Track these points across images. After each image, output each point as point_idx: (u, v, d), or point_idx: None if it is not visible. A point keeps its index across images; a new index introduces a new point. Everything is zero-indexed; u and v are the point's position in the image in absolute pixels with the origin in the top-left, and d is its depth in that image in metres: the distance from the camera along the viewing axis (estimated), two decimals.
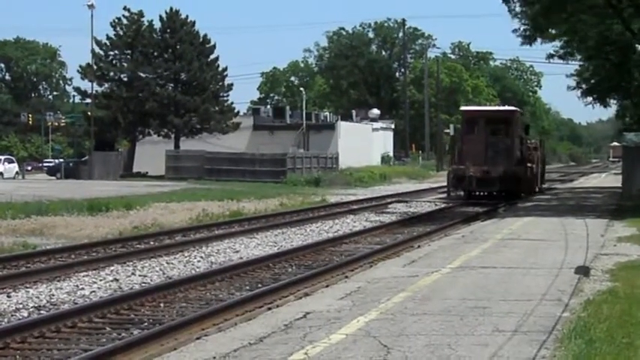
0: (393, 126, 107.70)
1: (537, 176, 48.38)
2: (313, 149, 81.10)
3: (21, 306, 15.50)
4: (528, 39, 43.83)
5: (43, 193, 41.49)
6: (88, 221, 30.67)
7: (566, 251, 20.31)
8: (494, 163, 41.85)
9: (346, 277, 17.64)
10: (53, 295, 16.50)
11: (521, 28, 43.23)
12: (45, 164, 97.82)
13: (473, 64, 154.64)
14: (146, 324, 13.87)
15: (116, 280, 18.45)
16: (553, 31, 45.15)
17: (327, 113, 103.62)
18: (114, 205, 35.48)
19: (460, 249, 21.09)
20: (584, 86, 57.80)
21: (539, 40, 44.94)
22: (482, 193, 43.15)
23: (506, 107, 52.53)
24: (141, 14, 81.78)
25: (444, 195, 46.12)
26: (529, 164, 44.88)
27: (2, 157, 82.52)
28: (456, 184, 42.77)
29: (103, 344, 12.27)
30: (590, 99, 57.72)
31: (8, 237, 25.85)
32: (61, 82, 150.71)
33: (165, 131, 79.94)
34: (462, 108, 52.39)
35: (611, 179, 70.89)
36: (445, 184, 46.36)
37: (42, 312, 14.94)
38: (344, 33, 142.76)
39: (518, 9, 41.98)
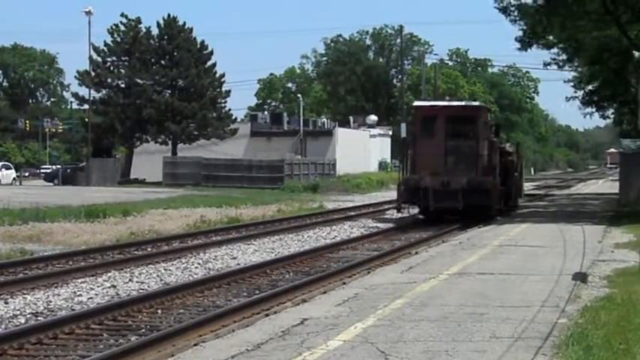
0: (390, 132, 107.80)
1: (512, 188, 39.62)
2: (311, 155, 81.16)
3: (18, 312, 15.48)
4: (525, 44, 43.89)
5: (41, 199, 41.45)
6: (86, 228, 30.64)
7: (564, 258, 20.33)
8: (455, 172, 33.75)
9: (344, 283, 17.63)
10: (50, 302, 16.48)
11: (519, 35, 43.32)
12: (42, 170, 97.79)
13: (471, 71, 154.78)
14: (143, 330, 13.86)
15: (113, 286, 18.43)
16: (551, 38, 45.22)
17: (325, 120, 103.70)
18: (111, 211, 35.46)
19: (458, 255, 21.10)
20: (582, 95, 57.96)
21: (535, 45, 44.99)
22: (442, 209, 34.20)
23: (471, 103, 43.01)
24: (138, 21, 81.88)
25: (394, 212, 38.34)
26: (501, 173, 36.88)
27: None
28: (409, 198, 34.33)
29: (100, 351, 12.26)
30: (589, 109, 57.93)
31: (5, 243, 25.82)
32: (58, 88, 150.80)
33: (163, 138, 79.97)
34: (416, 103, 40.11)
35: (608, 186, 70.93)
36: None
37: (39, 318, 14.92)
38: (341, 39, 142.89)
39: (515, 17, 42.03)
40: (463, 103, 41.01)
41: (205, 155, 75.80)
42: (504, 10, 41.40)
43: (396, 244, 26.52)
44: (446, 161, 34.18)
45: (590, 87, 57.71)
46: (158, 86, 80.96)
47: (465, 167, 34.05)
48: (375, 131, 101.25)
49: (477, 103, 40.63)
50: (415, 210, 36.27)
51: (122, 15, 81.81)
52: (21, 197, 43.67)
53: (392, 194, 61.36)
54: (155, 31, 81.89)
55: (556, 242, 24.04)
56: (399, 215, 36.93)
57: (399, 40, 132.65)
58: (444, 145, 34.17)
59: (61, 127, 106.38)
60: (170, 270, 21.04)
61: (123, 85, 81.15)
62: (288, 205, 45.84)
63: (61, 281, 18.80)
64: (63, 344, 12.94)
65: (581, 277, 16.94)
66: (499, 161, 36.56)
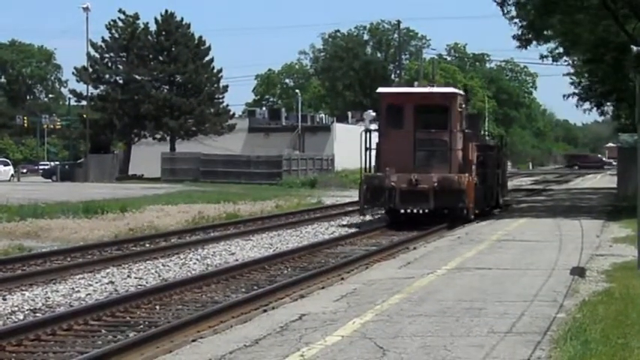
0: None
1: (494, 187, 35.72)
2: (309, 151, 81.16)
3: (17, 309, 15.48)
4: (524, 42, 43.86)
5: (39, 195, 41.46)
6: (84, 224, 30.64)
7: (562, 252, 20.35)
8: (425, 168, 30.17)
9: (342, 278, 17.64)
10: (49, 298, 16.48)
11: (518, 32, 43.29)
12: (40, 167, 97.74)
13: (469, 66, 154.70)
14: (142, 326, 13.86)
15: (112, 282, 18.43)
16: (549, 32, 45.19)
17: (323, 115, 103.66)
18: (109, 207, 35.45)
19: (456, 250, 21.11)
20: (580, 91, 57.95)
21: (534, 42, 44.97)
22: (410, 211, 30.87)
23: (444, 89, 36.16)
24: (136, 17, 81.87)
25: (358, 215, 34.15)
26: (480, 170, 32.91)
27: None
28: (373, 198, 30.47)
29: (98, 347, 12.26)
30: (587, 104, 57.94)
31: (4, 240, 25.81)
32: (56, 84, 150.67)
33: (161, 133, 79.96)
34: (380, 90, 33.72)
35: (606, 180, 70.96)
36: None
37: (38, 314, 14.92)
38: (339, 35, 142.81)
39: (513, 12, 42.01)
40: (435, 88, 34.07)
41: (203, 151, 75.79)
42: (502, 5, 41.35)
43: (394, 239, 26.51)
44: (415, 157, 30.39)
45: (587, 82, 57.71)
46: (156, 82, 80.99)
47: (437, 163, 30.42)
48: (374, 126, 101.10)
49: (450, 89, 34.74)
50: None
51: (120, 11, 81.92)
52: (19, 194, 43.68)
53: None
54: (153, 27, 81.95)
55: (554, 237, 24.06)
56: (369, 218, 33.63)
57: (396, 35, 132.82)
58: (412, 138, 30.34)
59: (59, 123, 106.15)
60: (168, 266, 21.04)
61: (121, 81, 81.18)
62: (286, 200, 45.85)
63: (60, 277, 18.80)
64: (61, 340, 12.94)
65: (579, 271, 16.95)
66: (478, 156, 32.75)
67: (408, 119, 30.66)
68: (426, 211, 30.14)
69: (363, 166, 31.12)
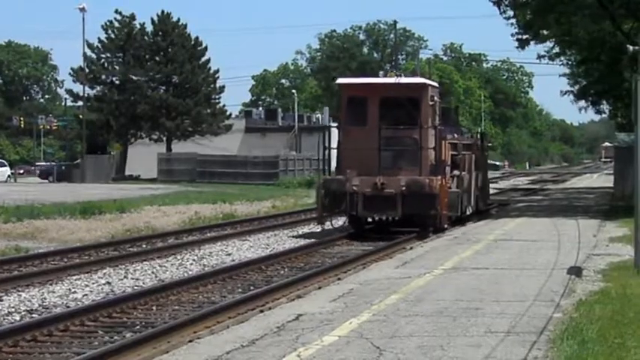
0: None
1: (471, 191, 31.53)
2: (305, 151, 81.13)
3: (13, 309, 15.46)
4: (523, 43, 43.92)
5: (35, 196, 41.44)
6: (81, 224, 30.63)
7: (559, 252, 20.36)
8: (393, 170, 26.52)
9: (339, 278, 17.64)
10: (45, 299, 16.47)
11: (515, 32, 43.36)
12: (37, 167, 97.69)
13: (465, 66, 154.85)
14: (138, 327, 13.85)
15: (108, 283, 18.42)
16: (545, 32, 45.24)
17: (320, 115, 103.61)
18: (106, 208, 35.45)
19: (452, 250, 21.12)
20: (576, 88, 57.99)
21: (532, 42, 45.03)
22: (376, 219, 27.91)
23: (414, 79, 32.17)
24: (132, 17, 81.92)
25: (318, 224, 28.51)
26: (456, 172, 29.10)
27: None
28: (332, 205, 26.78)
29: (95, 347, 12.25)
30: (583, 102, 57.94)
31: (0, 240, 25.81)
32: (52, 85, 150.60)
33: (158, 134, 79.97)
34: (340, 80, 30.11)
35: (603, 180, 71.03)
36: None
37: (34, 315, 14.91)
38: (335, 35, 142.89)
39: (509, 12, 42.06)
40: (403, 79, 29.10)
41: (200, 151, 75.79)
42: (498, 5, 41.37)
43: (391, 239, 26.44)
44: (380, 157, 26.50)
45: (584, 81, 57.75)
46: (152, 82, 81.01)
47: (406, 164, 26.86)
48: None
49: (420, 79, 30.55)
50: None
51: (116, 11, 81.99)
52: (15, 194, 43.65)
53: None
54: (149, 28, 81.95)
55: (551, 236, 24.07)
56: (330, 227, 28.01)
57: (393, 36, 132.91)
58: (377, 136, 26.46)
59: (55, 124, 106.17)
60: (165, 266, 21.04)
61: (117, 82, 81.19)
62: (283, 200, 45.84)
63: (56, 278, 18.79)
64: (58, 341, 12.93)
65: (575, 271, 16.96)
66: (453, 156, 29.13)
67: (373, 114, 27.08)
68: (396, 218, 26.85)
69: (322, 168, 28.47)
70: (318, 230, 30.47)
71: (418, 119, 26.80)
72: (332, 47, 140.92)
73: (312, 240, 26.71)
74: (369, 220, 28.18)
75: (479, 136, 36.62)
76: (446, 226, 27.21)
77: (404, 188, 25.89)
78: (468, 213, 30.55)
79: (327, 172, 28.16)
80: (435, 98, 27.72)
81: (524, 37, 43.58)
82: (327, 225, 27.64)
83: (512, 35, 43.29)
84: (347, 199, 26.18)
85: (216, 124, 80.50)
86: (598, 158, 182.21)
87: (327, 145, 28.36)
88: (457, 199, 28.21)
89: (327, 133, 28.93)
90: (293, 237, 28.30)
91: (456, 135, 30.63)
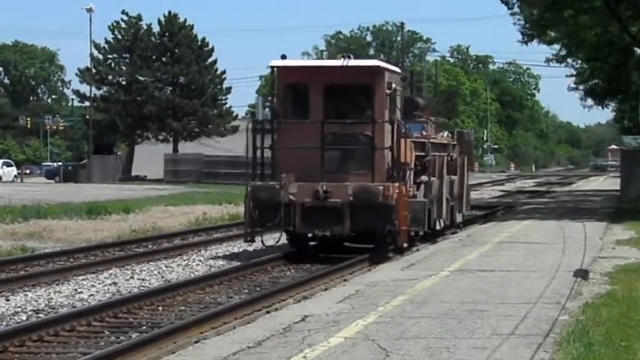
0: None
1: (444, 201, 26.14)
2: None
3: (20, 309, 15.48)
4: (527, 38, 43.93)
5: (42, 196, 41.44)
6: (87, 225, 30.63)
7: (565, 254, 20.33)
8: (339, 175, 21.35)
9: (345, 280, 17.65)
10: (52, 299, 16.48)
11: (521, 27, 43.42)
12: (43, 168, 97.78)
13: (472, 68, 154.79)
14: (145, 327, 13.86)
15: (115, 283, 18.43)
16: (552, 33, 45.25)
17: None
18: (112, 208, 35.44)
19: (458, 252, 21.10)
20: (583, 88, 58.10)
21: (537, 40, 45.05)
22: (319, 235, 21.55)
23: (366, 61, 25.86)
24: (139, 18, 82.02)
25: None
26: (424, 177, 23.80)
27: (0, 161, 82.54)
28: (263, 218, 21.45)
29: (101, 348, 12.26)
30: (589, 101, 58.03)
31: (7, 240, 25.82)
32: (59, 85, 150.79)
33: (164, 135, 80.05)
34: (275, 63, 22.76)
35: (609, 182, 70.92)
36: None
37: (40, 315, 14.93)
38: (342, 36, 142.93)
39: (517, 9, 42.13)
40: (352, 61, 22.26)
41: (206, 152, 75.80)
42: (506, 2, 41.42)
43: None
44: (323, 158, 21.35)
45: (590, 83, 57.78)
46: (159, 83, 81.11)
47: (355, 168, 21.73)
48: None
49: (374, 62, 24.57)
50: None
51: (123, 12, 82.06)
52: (22, 194, 43.67)
53: None
54: (156, 28, 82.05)
55: (557, 239, 24.02)
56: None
57: (399, 37, 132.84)
58: (319, 132, 21.33)
59: (62, 124, 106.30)
60: (171, 267, 21.04)
61: (124, 82, 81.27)
62: None
63: (62, 278, 18.80)
64: (64, 341, 12.94)
65: (582, 273, 16.93)
66: (420, 158, 23.55)
67: (315, 105, 21.84)
68: (343, 235, 21.57)
69: (252, 172, 22.76)
70: None
71: (372, 111, 21.72)
72: (338, 48, 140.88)
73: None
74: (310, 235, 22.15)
75: (457, 135, 29.84)
76: (405, 245, 21.81)
77: (352, 198, 20.74)
78: (438, 228, 25.40)
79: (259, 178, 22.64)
80: (394, 85, 22.05)
81: (530, 33, 43.66)
82: (258, 243, 22.49)
83: (519, 31, 43.37)
84: (281, 211, 20.98)
85: (222, 125, 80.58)
86: (604, 161, 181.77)
87: (259, 144, 22.60)
88: (423, 212, 22.57)
89: (258, 130, 22.87)
90: None
91: (425, 132, 24.93)
